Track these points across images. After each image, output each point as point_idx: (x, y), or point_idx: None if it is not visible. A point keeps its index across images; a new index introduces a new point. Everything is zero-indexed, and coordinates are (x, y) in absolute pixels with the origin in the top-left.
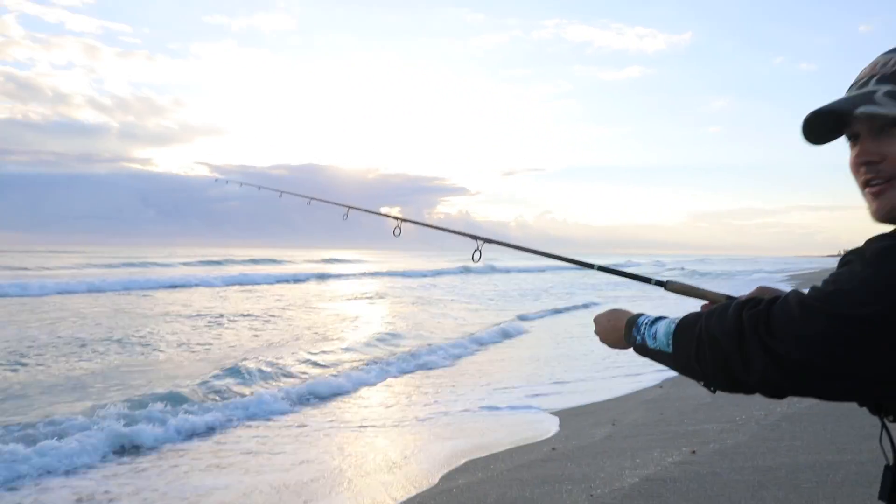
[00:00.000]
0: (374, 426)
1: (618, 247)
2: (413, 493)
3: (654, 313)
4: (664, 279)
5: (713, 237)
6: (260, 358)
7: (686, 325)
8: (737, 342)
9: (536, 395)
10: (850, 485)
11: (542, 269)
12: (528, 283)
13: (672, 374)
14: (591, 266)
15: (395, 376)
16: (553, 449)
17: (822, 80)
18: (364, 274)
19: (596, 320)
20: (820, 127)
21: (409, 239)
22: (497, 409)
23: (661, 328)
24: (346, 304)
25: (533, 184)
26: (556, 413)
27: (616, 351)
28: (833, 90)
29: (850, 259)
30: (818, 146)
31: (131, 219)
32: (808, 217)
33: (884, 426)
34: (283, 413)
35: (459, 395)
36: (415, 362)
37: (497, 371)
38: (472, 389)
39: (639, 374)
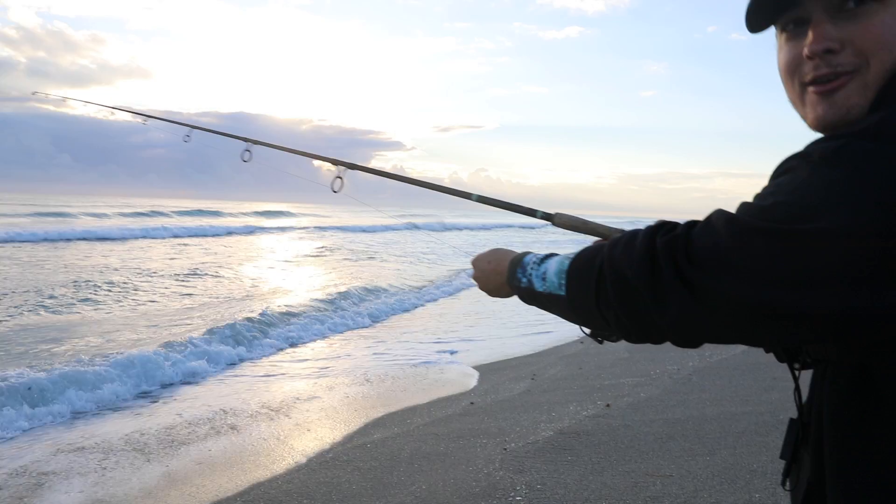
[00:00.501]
0: (289, 379)
1: (551, 206)
2: (326, 447)
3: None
4: (552, 212)
5: (642, 200)
6: (200, 316)
7: (583, 260)
8: (648, 275)
9: (460, 350)
10: (749, 434)
11: (497, 227)
12: (478, 239)
13: None
14: (469, 196)
15: (326, 333)
16: (471, 403)
17: (752, 50)
18: (306, 229)
19: (474, 263)
20: (766, 7)
21: (348, 196)
22: (421, 363)
23: (551, 266)
24: (287, 260)
25: (469, 141)
26: (477, 367)
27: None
28: (760, 61)
29: (792, 165)
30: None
31: (43, 164)
32: (729, 183)
33: (795, 377)
34: (205, 373)
35: (387, 349)
36: (345, 318)
37: (427, 326)
38: (399, 343)
39: (561, 329)
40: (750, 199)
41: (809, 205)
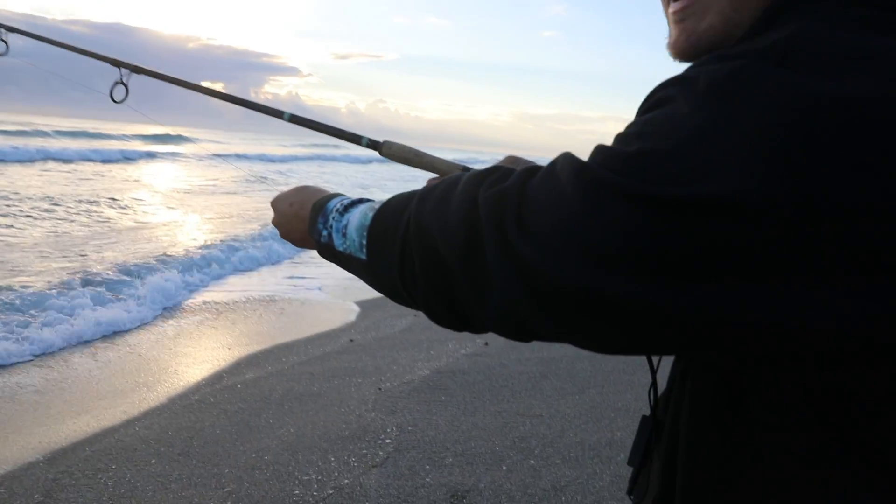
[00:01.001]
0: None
1: (447, 141)
2: (192, 388)
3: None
4: (380, 139)
5: (537, 140)
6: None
7: (389, 214)
8: (463, 246)
9: (344, 287)
10: (617, 373)
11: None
12: (402, 174)
13: None
14: (280, 115)
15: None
16: (351, 340)
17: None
18: (204, 157)
19: (275, 205)
20: None
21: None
22: (303, 299)
23: (354, 218)
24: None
25: (368, 71)
26: (359, 303)
27: None
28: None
29: (670, 94)
30: None
31: None
32: (619, 127)
33: (652, 367)
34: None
35: (265, 282)
36: (221, 253)
37: (310, 261)
38: (282, 278)
39: None
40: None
41: (689, 157)
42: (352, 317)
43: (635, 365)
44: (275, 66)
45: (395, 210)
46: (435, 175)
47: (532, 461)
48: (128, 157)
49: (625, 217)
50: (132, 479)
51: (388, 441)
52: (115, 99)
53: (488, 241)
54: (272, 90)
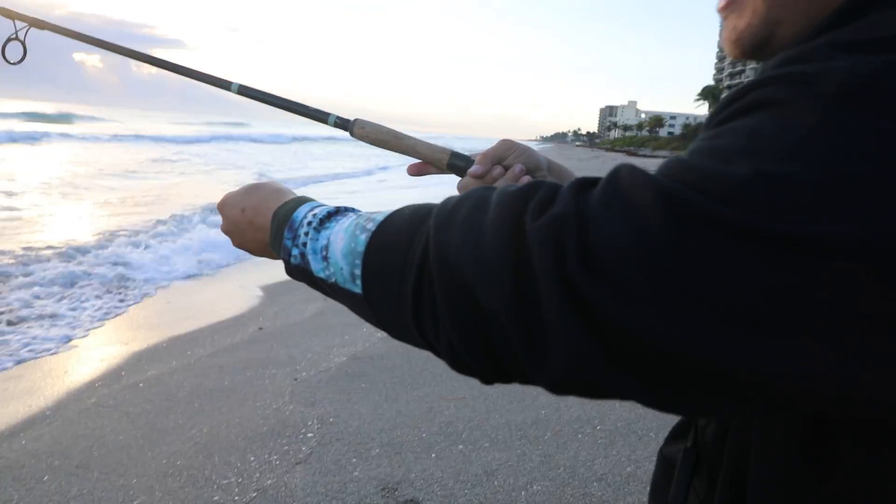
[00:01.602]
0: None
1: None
2: (86, 391)
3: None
4: (350, 118)
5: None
6: None
7: (391, 242)
8: (511, 289)
9: (242, 268)
10: None
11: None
12: (322, 151)
13: None
14: (228, 86)
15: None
16: (260, 329)
17: None
18: (100, 137)
19: (222, 209)
20: None
21: (115, 95)
22: (198, 283)
23: (338, 240)
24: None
25: (261, 45)
26: (263, 287)
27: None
28: None
29: (776, 97)
30: None
31: None
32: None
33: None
34: None
35: (161, 265)
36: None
37: (215, 238)
38: (186, 258)
39: None
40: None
41: (832, 185)
42: (255, 302)
43: None
44: (156, 38)
45: (401, 235)
46: (416, 160)
47: (461, 446)
48: None
49: (747, 264)
50: (20, 501)
51: (309, 435)
52: (10, 60)
53: (546, 287)
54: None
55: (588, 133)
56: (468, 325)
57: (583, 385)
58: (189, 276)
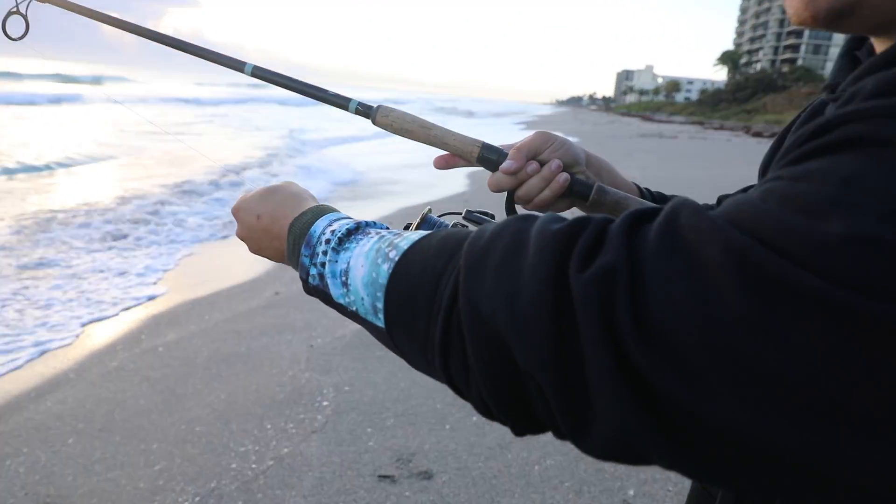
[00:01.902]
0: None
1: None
2: (108, 354)
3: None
4: (373, 103)
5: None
6: None
7: (415, 277)
8: (552, 349)
9: None
10: None
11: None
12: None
13: (446, 196)
14: (241, 67)
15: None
16: (276, 293)
17: None
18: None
19: (237, 214)
20: None
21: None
22: (207, 244)
23: (358, 266)
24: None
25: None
26: None
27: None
28: None
29: (879, 137)
30: None
31: None
32: None
33: None
34: None
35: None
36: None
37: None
38: (205, 221)
39: (377, 206)
40: None
41: None
42: (269, 265)
43: None
44: None
45: (427, 273)
46: (443, 153)
47: (475, 418)
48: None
49: (844, 350)
50: (48, 462)
51: (325, 403)
52: (11, 35)
53: (592, 351)
54: (172, 23)
55: (604, 97)
56: (501, 380)
57: (629, 457)
58: (204, 240)
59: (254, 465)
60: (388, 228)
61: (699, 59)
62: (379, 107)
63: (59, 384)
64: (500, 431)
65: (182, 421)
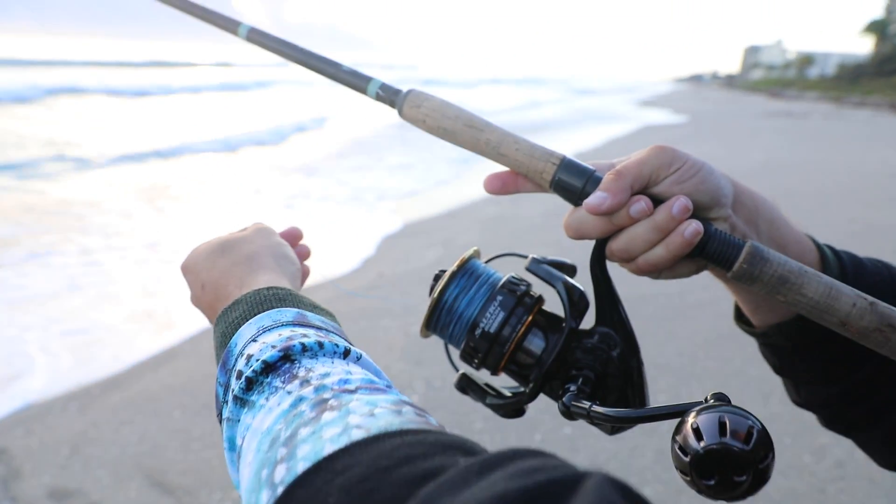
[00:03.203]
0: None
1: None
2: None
3: None
4: (402, 88)
5: None
6: None
7: None
8: None
9: (370, 209)
10: (656, 322)
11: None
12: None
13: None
14: (234, 29)
15: None
16: (380, 275)
17: None
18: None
19: (185, 274)
20: None
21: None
22: (313, 217)
23: (248, 457)
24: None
25: None
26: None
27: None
28: None
29: None
30: None
31: None
32: None
33: None
34: None
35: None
36: None
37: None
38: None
39: (472, 190)
40: None
41: None
42: (377, 242)
43: (674, 315)
44: None
45: None
46: (499, 169)
47: (568, 430)
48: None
49: None
50: (155, 434)
51: (414, 397)
52: None
53: None
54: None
55: (728, 75)
56: None
57: None
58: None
59: None
60: (337, 351)
61: (835, 32)
62: (409, 92)
63: (175, 355)
64: (592, 447)
65: None
